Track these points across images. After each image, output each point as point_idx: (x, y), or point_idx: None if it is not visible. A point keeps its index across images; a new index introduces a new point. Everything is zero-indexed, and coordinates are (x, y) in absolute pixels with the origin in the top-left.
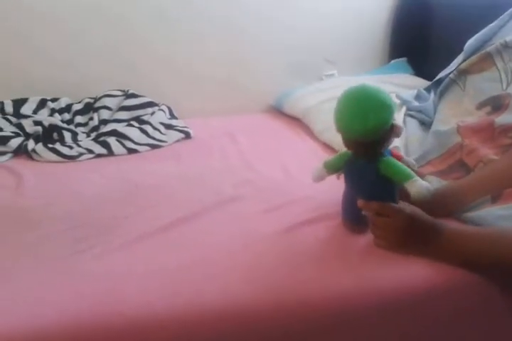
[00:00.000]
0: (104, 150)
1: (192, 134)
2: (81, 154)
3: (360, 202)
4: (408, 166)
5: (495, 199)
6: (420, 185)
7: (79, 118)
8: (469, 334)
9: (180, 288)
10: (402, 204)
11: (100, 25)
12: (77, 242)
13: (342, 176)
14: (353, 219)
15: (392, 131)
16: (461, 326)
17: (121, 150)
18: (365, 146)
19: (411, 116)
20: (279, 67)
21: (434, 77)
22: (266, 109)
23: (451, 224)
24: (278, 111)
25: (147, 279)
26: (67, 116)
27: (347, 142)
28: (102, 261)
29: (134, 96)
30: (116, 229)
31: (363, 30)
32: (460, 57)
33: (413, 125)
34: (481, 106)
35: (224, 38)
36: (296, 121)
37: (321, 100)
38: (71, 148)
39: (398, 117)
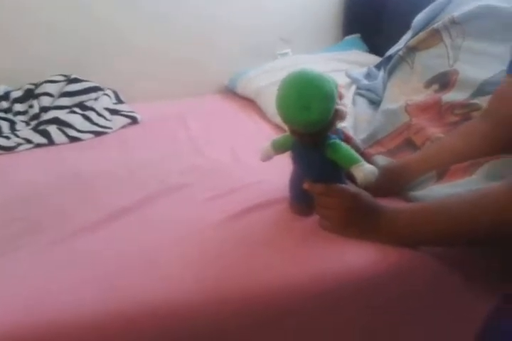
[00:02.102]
0: (44, 140)
1: (139, 119)
2: (19, 144)
3: (306, 184)
4: (354, 146)
5: (440, 176)
6: (366, 170)
7: (18, 107)
8: (420, 314)
9: (119, 280)
10: (347, 185)
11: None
12: (11, 239)
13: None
14: (300, 200)
15: (336, 116)
16: (411, 307)
17: (63, 138)
18: (309, 135)
19: (361, 94)
20: (234, 46)
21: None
22: (220, 89)
23: (395, 205)
24: (232, 92)
25: (85, 272)
26: (4, 104)
27: (291, 131)
28: (36, 257)
29: (76, 81)
30: (53, 223)
31: (316, 7)
32: (409, 34)
33: (362, 104)
34: (428, 83)
35: (177, 18)
36: (249, 102)
37: (274, 81)
38: (8, 138)
39: (347, 96)
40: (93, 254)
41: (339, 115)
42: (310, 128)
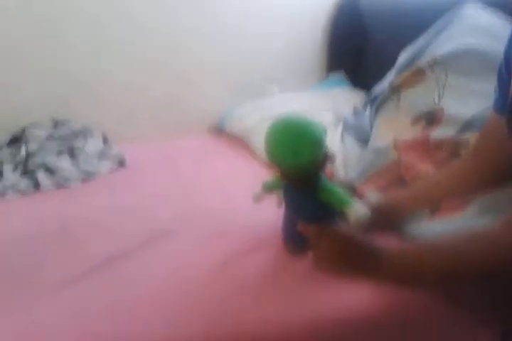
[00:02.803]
0: (30, 186)
1: (127, 162)
2: (5, 192)
3: (299, 226)
4: (344, 184)
5: (433, 212)
6: (358, 210)
7: (5, 152)
8: None
9: (105, 335)
10: (341, 226)
11: (32, 44)
12: None
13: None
14: (294, 240)
15: (325, 159)
16: None
17: (50, 184)
18: (299, 179)
19: (348, 133)
20: (221, 86)
21: (371, 88)
22: (209, 130)
23: (390, 244)
24: (221, 132)
25: (72, 327)
26: None
27: (282, 176)
28: (26, 310)
29: (64, 124)
30: (39, 275)
31: (300, 46)
32: (392, 73)
33: (351, 142)
34: (415, 121)
35: (164, 59)
36: (239, 141)
37: (261, 119)
38: None
39: (335, 135)
40: (74, 310)
41: (329, 159)
42: (300, 173)
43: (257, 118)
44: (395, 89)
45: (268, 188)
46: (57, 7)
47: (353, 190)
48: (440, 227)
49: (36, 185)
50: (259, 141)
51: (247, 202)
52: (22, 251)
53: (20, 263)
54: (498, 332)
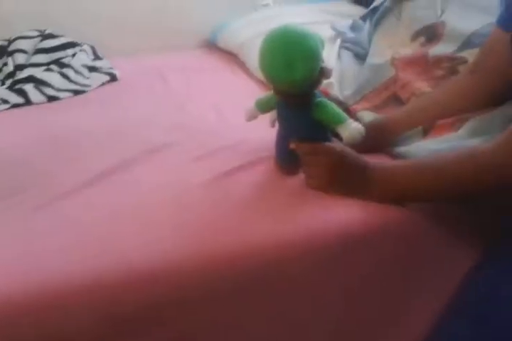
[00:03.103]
0: (20, 99)
1: (118, 76)
2: None
3: (291, 143)
4: (338, 103)
5: (426, 131)
6: (353, 129)
7: None
8: (405, 270)
9: (111, 244)
10: (333, 143)
11: None
12: None
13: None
14: (286, 159)
15: (321, 74)
16: (400, 262)
17: (40, 98)
18: (293, 95)
19: (346, 48)
20: None
21: (371, 4)
22: (202, 43)
23: (383, 162)
24: (214, 46)
25: (73, 236)
26: None
27: (275, 91)
28: (22, 222)
29: (52, 36)
30: (36, 187)
31: None
32: None
33: (348, 58)
34: (415, 36)
35: None
36: (232, 56)
37: (255, 34)
38: None
39: (332, 51)
40: (80, 218)
41: (324, 74)
42: (294, 88)
43: (251, 33)
44: (397, 1)
45: (261, 106)
46: None
47: (347, 109)
48: (432, 146)
49: (26, 99)
50: (253, 57)
51: (239, 119)
52: (22, 163)
53: (22, 174)
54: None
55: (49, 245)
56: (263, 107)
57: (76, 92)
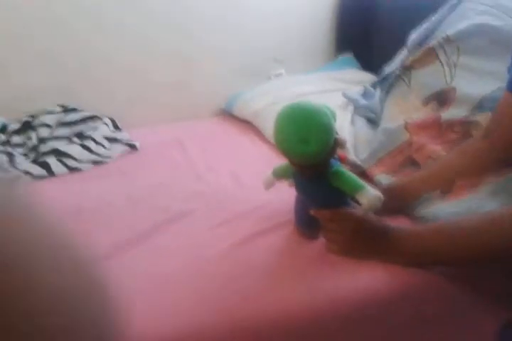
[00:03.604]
0: (43, 171)
1: (138, 146)
2: (18, 178)
3: (312, 211)
4: (355, 167)
5: (445, 193)
6: (371, 196)
7: (16, 139)
8: (432, 333)
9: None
10: (353, 209)
11: (35, 30)
12: None
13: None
14: (306, 224)
15: (336, 145)
16: (425, 326)
17: (62, 169)
18: (309, 167)
19: (358, 114)
20: (228, 69)
21: (380, 70)
22: (217, 113)
23: (403, 225)
24: (229, 115)
25: None
26: (2, 137)
27: (291, 163)
28: None
29: (74, 111)
30: None
31: (307, 26)
32: (404, 52)
33: (361, 123)
34: (426, 101)
35: (169, 42)
36: (247, 124)
37: (270, 102)
38: (7, 172)
39: (345, 117)
40: None
41: (339, 144)
42: (310, 161)
43: (265, 101)
44: (406, 69)
45: (278, 174)
46: None
47: (363, 173)
48: (452, 209)
49: (49, 171)
50: (268, 124)
51: (257, 185)
52: None
53: None
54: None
55: None
56: (280, 175)
57: (96, 163)
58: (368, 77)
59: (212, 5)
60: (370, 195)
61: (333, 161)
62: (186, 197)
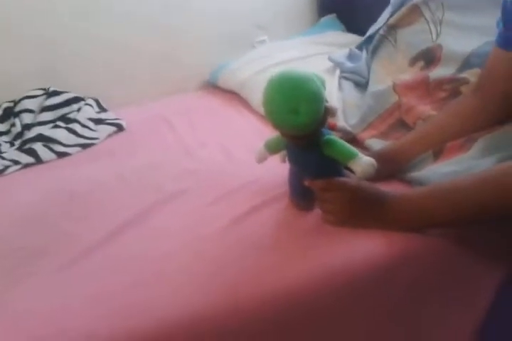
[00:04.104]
0: (31, 159)
1: (125, 126)
2: (7, 167)
3: (306, 181)
4: (346, 133)
5: (437, 155)
6: (365, 163)
7: None
8: (433, 294)
9: (128, 298)
10: (347, 178)
11: (13, 12)
12: (15, 268)
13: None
14: (301, 195)
15: (326, 114)
16: (424, 288)
17: (50, 155)
18: (301, 137)
19: (345, 78)
20: (210, 38)
21: (365, 32)
22: (202, 85)
23: (398, 190)
24: (214, 86)
25: (95, 291)
26: None
27: (282, 134)
28: (43, 286)
29: (56, 93)
30: (56, 247)
31: None
32: (388, 11)
33: (349, 87)
34: (413, 61)
35: (144, 12)
36: (234, 95)
37: (255, 71)
38: None
39: (332, 81)
40: (101, 273)
41: (329, 113)
42: (301, 131)
43: (250, 71)
44: (391, 29)
45: (270, 147)
46: None
47: (354, 138)
48: (445, 169)
49: (37, 158)
50: (255, 94)
51: (249, 158)
52: (39, 223)
53: (40, 235)
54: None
55: (76, 300)
56: (273, 149)
57: (84, 146)
58: (353, 39)
59: None
60: (363, 162)
61: (324, 130)
62: (178, 175)
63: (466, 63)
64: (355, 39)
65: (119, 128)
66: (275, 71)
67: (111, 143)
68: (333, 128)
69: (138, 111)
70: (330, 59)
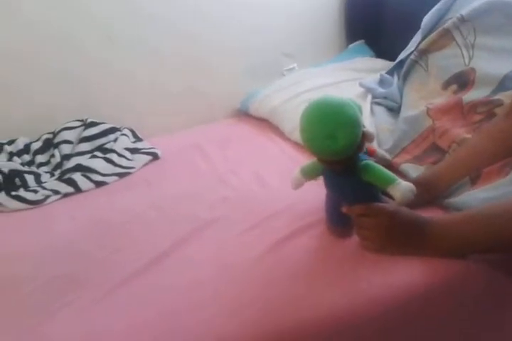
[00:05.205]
0: (70, 189)
1: (160, 154)
2: (47, 197)
3: (344, 208)
4: (383, 158)
5: (474, 180)
6: (404, 188)
7: (40, 158)
8: (478, 323)
9: (163, 334)
10: (385, 203)
11: (48, 48)
12: (56, 297)
13: (321, 180)
14: (338, 222)
15: (363, 139)
16: (468, 318)
17: (89, 184)
18: (338, 162)
19: (378, 103)
20: (239, 69)
21: (395, 56)
22: (233, 114)
23: (436, 216)
24: (245, 114)
25: (125, 333)
26: (26, 157)
27: (319, 159)
28: (79, 318)
29: (93, 124)
30: (94, 276)
31: (315, 18)
32: (418, 36)
33: (381, 112)
34: (446, 85)
35: (177, 47)
36: (265, 122)
37: (285, 98)
38: (36, 192)
39: (365, 107)
40: (135, 303)
41: (366, 138)
42: (338, 156)
43: (281, 98)
44: (422, 54)
45: (307, 173)
46: (72, 12)
47: (389, 164)
48: (482, 195)
49: (76, 187)
50: (285, 121)
51: (282, 185)
52: (78, 252)
53: (79, 264)
54: None
55: (120, 327)
56: (309, 174)
57: (121, 175)
58: (382, 64)
59: (217, 4)
60: (402, 187)
61: (361, 155)
62: (213, 203)
63: (501, 86)
64: (384, 64)
65: (155, 157)
66: (308, 97)
67: (146, 171)
68: (372, 153)
69: (171, 140)
70: (361, 85)
